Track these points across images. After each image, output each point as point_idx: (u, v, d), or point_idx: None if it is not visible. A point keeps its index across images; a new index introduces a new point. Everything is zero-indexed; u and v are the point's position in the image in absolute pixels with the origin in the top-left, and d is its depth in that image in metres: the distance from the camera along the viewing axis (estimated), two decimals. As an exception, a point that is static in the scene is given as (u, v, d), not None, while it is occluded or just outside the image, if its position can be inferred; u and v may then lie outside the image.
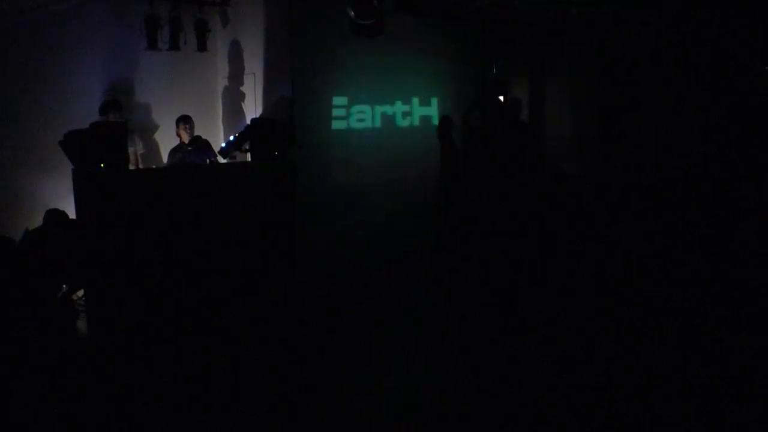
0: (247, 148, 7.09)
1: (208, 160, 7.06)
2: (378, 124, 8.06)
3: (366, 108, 7.91)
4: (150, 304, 6.20)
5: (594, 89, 9.02)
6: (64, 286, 6.15)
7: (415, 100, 8.48)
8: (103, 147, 5.91)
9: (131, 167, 6.84)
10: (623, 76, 8.66)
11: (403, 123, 8.37)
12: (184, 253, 6.39)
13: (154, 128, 7.87)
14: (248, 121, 7.37)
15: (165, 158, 7.53)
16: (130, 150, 6.94)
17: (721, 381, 4.69)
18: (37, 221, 6.19)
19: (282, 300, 6.91)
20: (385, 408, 4.49)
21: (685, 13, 7.75)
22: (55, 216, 6.19)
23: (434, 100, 8.70)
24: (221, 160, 7.21)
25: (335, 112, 7.60)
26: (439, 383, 4.91)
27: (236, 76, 8.10)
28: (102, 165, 5.89)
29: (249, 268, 6.88)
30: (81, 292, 6.28)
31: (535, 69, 10.33)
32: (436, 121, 8.61)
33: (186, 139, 7.25)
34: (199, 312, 6.34)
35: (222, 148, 7.13)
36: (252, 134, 7.00)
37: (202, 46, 7.98)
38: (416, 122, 8.54)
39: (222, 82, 8.41)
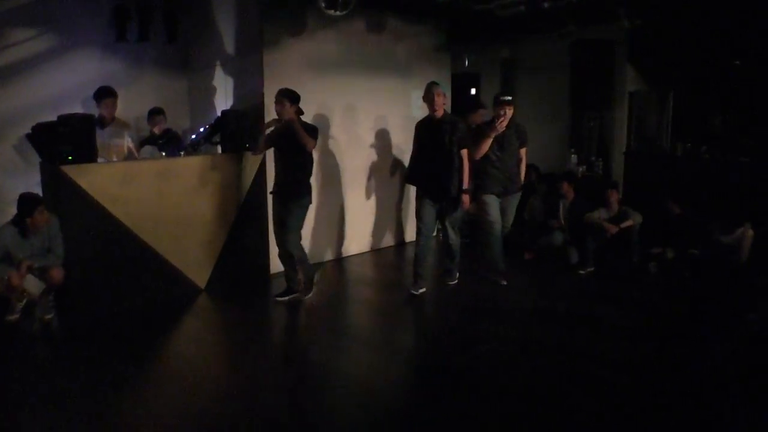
0: (218, 140, 7.05)
1: (179, 153, 7.00)
2: (347, 117, 8.08)
3: (336, 101, 7.92)
4: (120, 298, 6.18)
5: (566, 82, 9.06)
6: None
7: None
8: (71, 139, 5.86)
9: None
10: (595, 69, 8.69)
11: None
12: (155, 246, 6.38)
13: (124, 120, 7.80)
14: (218, 113, 7.32)
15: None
16: (118, 142, 6.79)
17: None
18: (5, 216, 6.09)
19: (257, 291, 6.93)
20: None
21: (657, 7, 7.81)
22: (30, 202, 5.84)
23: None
24: (191, 152, 7.16)
25: (306, 105, 7.58)
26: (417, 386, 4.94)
27: (206, 67, 8.03)
28: (70, 158, 5.84)
29: (220, 260, 6.89)
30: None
31: (506, 62, 10.38)
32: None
33: (157, 131, 7.21)
34: (173, 304, 6.34)
35: (192, 140, 7.09)
36: (222, 126, 6.96)
37: (171, 38, 7.92)
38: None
39: (192, 73, 8.33)
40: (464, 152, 6.43)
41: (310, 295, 6.53)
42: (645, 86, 9.02)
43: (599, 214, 7.58)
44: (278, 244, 6.48)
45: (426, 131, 6.63)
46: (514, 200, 7.21)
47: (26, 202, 5.76)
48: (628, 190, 8.72)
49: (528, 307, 6.32)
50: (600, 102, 8.75)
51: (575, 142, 9.41)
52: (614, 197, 7.67)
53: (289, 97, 6.16)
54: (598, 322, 5.90)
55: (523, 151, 7.11)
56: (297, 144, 6.12)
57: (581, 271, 7.46)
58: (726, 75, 8.00)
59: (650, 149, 8.83)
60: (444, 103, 6.60)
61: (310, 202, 6.51)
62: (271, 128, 6.44)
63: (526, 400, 4.35)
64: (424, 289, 6.66)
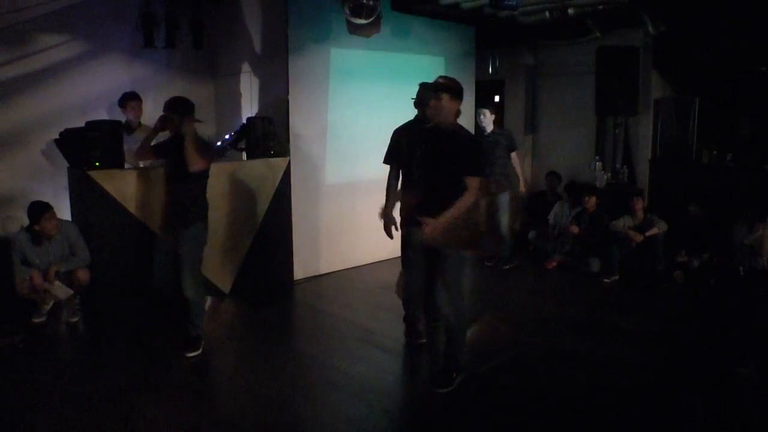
0: (243, 146, 7.10)
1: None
2: (372, 123, 8.07)
3: (361, 107, 7.92)
4: (145, 302, 6.22)
5: (590, 89, 9.01)
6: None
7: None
8: (98, 145, 5.92)
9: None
10: (620, 76, 8.64)
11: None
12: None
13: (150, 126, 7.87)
14: (244, 120, 7.37)
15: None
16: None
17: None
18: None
19: (281, 297, 6.95)
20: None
21: (682, 13, 7.77)
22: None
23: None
24: (217, 158, 7.19)
25: (331, 111, 7.62)
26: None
27: (232, 73, 8.10)
28: (97, 164, 5.91)
29: (245, 266, 6.91)
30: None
31: (530, 69, 10.34)
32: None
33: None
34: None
35: (217, 146, 7.14)
36: (248, 133, 7.01)
37: (198, 44, 8.01)
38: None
39: (218, 79, 8.40)
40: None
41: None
42: (670, 93, 8.95)
43: (624, 222, 7.54)
44: (180, 289, 5.28)
45: (416, 141, 5.17)
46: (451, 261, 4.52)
47: (33, 209, 5.85)
48: (654, 198, 8.67)
49: (552, 315, 6.28)
50: (625, 109, 8.69)
51: (600, 149, 9.35)
52: (639, 205, 7.62)
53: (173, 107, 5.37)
54: (622, 330, 5.85)
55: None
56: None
57: (606, 279, 7.41)
58: (751, 82, 7.93)
59: (676, 157, 8.76)
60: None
61: (206, 230, 5.40)
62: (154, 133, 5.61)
63: (549, 409, 4.33)
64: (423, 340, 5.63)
